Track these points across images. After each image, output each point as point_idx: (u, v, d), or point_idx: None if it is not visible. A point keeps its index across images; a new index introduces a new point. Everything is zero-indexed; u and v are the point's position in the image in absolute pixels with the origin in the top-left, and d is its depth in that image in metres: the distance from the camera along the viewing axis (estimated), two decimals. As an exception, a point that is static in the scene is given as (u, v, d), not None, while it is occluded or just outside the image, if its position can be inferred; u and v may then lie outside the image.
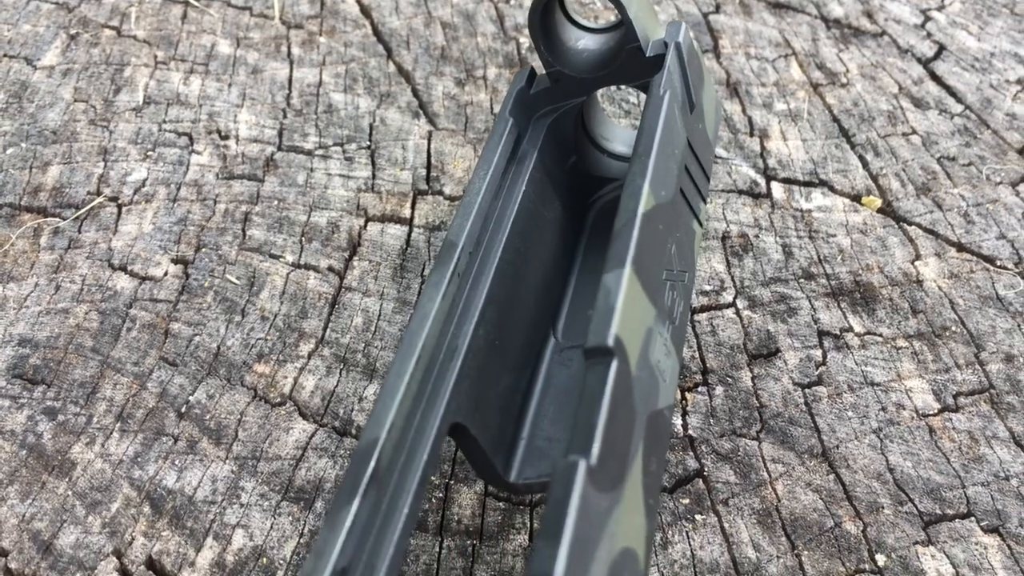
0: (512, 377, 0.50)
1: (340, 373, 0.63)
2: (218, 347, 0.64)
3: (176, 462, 0.58)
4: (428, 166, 0.77)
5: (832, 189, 0.74)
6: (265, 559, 0.54)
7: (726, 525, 0.56)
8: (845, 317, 0.65)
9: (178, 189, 0.75)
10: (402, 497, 0.37)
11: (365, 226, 0.72)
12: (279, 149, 0.78)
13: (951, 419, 0.60)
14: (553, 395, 0.52)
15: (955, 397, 0.61)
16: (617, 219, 0.45)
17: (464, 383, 0.43)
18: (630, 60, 0.56)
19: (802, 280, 0.68)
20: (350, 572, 0.34)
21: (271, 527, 0.56)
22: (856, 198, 0.73)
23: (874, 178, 0.75)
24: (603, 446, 0.36)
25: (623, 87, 0.83)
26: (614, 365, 0.39)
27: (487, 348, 0.46)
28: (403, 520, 0.37)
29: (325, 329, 0.65)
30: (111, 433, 0.60)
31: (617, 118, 0.80)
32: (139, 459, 0.58)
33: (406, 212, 0.73)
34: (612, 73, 0.58)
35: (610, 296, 0.41)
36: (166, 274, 0.69)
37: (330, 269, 0.69)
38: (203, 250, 0.70)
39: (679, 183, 0.52)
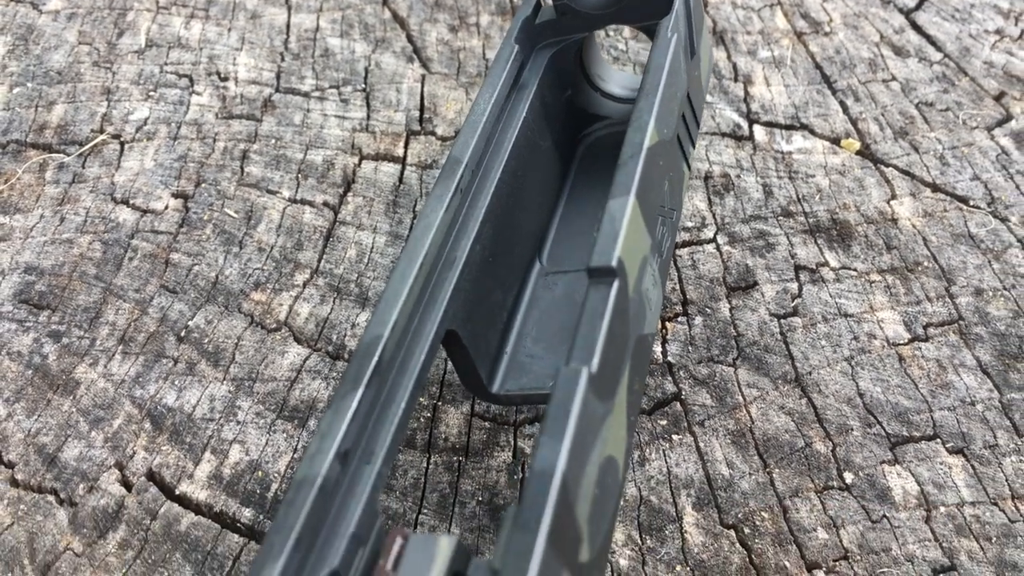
0: (501, 294, 0.51)
1: (334, 301, 0.64)
2: (216, 276, 0.66)
3: (176, 382, 0.60)
4: (421, 108, 0.78)
5: (812, 132, 0.75)
6: (260, 472, 0.56)
7: (701, 444, 0.57)
8: (821, 252, 0.67)
9: (179, 128, 0.76)
10: (399, 392, 0.39)
11: (359, 164, 0.73)
12: (277, 91, 0.79)
13: (920, 348, 0.61)
14: (536, 316, 0.53)
15: (925, 328, 0.62)
16: (623, 151, 0.46)
17: (460, 294, 0.44)
18: (638, 0, 0.57)
19: (781, 218, 0.69)
20: (351, 454, 0.36)
21: (266, 443, 0.57)
22: (835, 141, 0.75)
23: (853, 122, 0.76)
24: (602, 357, 0.38)
25: (612, 33, 0.84)
26: (616, 284, 0.41)
27: (481, 264, 0.47)
28: (400, 412, 0.38)
29: (320, 260, 0.67)
30: (113, 355, 0.61)
31: (606, 64, 0.81)
32: (140, 379, 0.60)
33: (399, 151, 0.74)
34: (618, 12, 0.59)
35: (615, 221, 0.42)
36: (167, 207, 0.70)
37: (325, 204, 0.70)
38: (202, 185, 0.71)
39: (677, 124, 0.53)
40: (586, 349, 0.38)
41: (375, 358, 0.37)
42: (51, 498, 0.55)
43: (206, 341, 0.62)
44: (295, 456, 0.57)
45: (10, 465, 0.56)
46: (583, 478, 0.35)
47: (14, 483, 0.55)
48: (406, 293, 0.40)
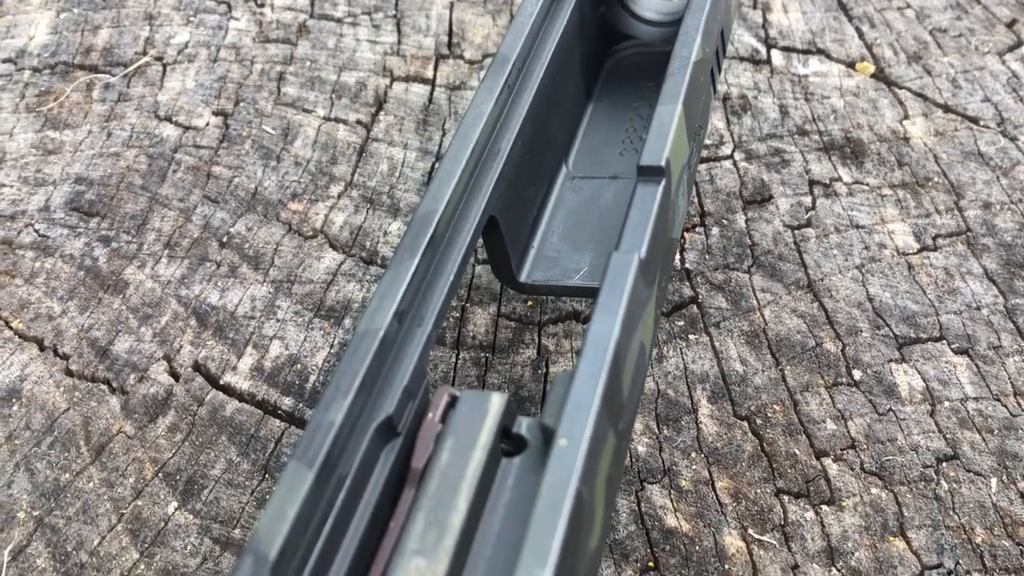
0: (533, 191, 0.53)
1: (367, 211, 0.66)
2: (256, 187, 0.67)
3: (219, 284, 0.62)
4: (450, 33, 0.79)
5: (828, 57, 0.76)
6: (299, 365, 0.58)
7: (717, 344, 0.59)
8: (835, 168, 0.68)
9: (218, 51, 0.77)
10: (448, 265, 0.41)
11: (390, 85, 0.75)
12: (311, 16, 0.80)
13: (929, 257, 0.63)
14: (562, 216, 0.55)
15: (934, 238, 0.64)
16: (671, 64, 0.48)
17: (502, 184, 0.46)
18: None
19: (796, 136, 0.70)
20: (405, 315, 0.37)
21: (304, 339, 0.59)
22: (850, 65, 0.75)
23: (868, 47, 0.77)
24: (649, 246, 0.40)
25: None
26: (663, 183, 0.43)
27: (520, 158, 0.49)
28: (449, 283, 0.40)
29: (353, 174, 0.68)
30: (160, 258, 0.63)
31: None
32: (185, 280, 0.62)
33: (429, 73, 0.76)
34: None
35: (664, 125, 0.45)
36: (207, 124, 0.71)
37: (358, 122, 0.72)
38: (241, 104, 0.73)
39: (715, 45, 0.54)
40: (636, 237, 0.40)
41: (431, 230, 0.39)
42: (103, 387, 0.57)
43: (247, 246, 0.64)
44: (332, 351, 0.58)
45: (65, 357, 0.58)
46: (628, 353, 0.37)
47: (68, 373, 0.58)
48: (458, 175, 0.42)
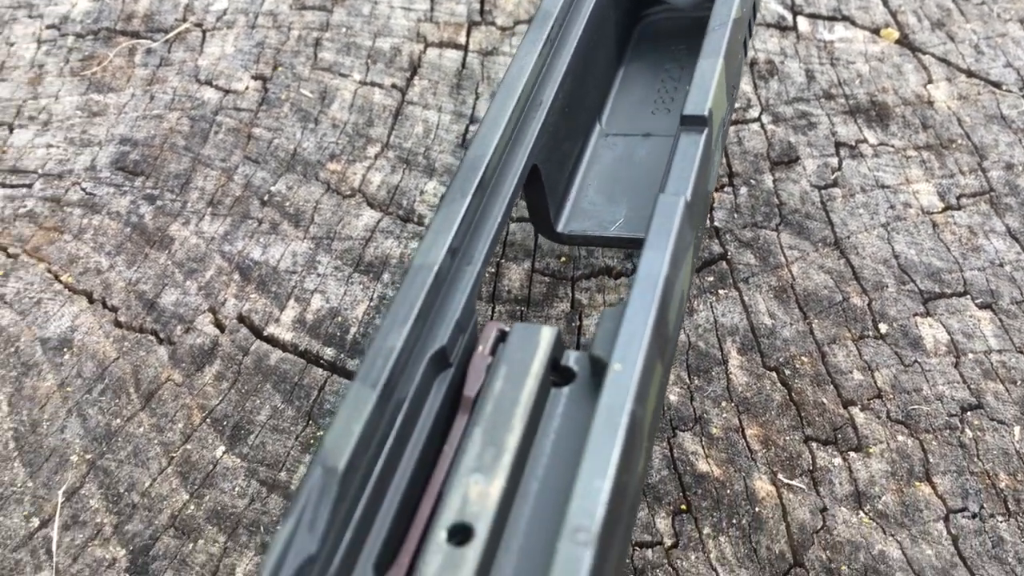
0: (570, 144, 0.54)
1: (403, 172, 0.67)
2: (295, 148, 0.68)
3: (261, 240, 0.63)
4: (482, 1, 0.80)
5: (853, 23, 0.77)
6: (340, 318, 0.59)
7: (746, 298, 0.60)
8: (861, 131, 0.68)
9: (256, 18, 0.78)
10: (494, 208, 0.42)
11: (424, 51, 0.76)
12: (346, -15, 0.81)
13: (953, 216, 0.63)
14: (596, 171, 0.56)
15: (958, 198, 0.64)
16: (711, 20, 0.49)
17: (543, 135, 0.47)
18: None
19: (823, 99, 0.71)
20: (457, 252, 0.39)
21: (344, 293, 0.60)
22: (875, 31, 0.76)
23: (893, 14, 0.77)
24: (693, 191, 0.41)
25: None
26: (705, 132, 0.44)
27: (560, 112, 0.50)
28: (496, 225, 0.41)
29: (389, 135, 0.69)
30: (203, 216, 0.64)
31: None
32: (228, 237, 0.63)
33: (461, 40, 0.77)
34: None
35: (706, 77, 0.46)
36: (247, 88, 0.73)
37: (393, 86, 0.73)
38: (279, 69, 0.74)
39: (750, 7, 0.55)
40: (681, 182, 0.41)
41: (480, 173, 0.40)
42: (151, 337, 0.58)
43: (287, 204, 0.65)
44: (371, 304, 0.60)
45: (113, 309, 0.60)
46: (675, 290, 0.38)
47: (117, 324, 0.59)
48: (504, 123, 0.43)
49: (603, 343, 0.35)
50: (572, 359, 0.37)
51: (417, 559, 0.31)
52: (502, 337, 0.38)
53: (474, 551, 0.30)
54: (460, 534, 0.30)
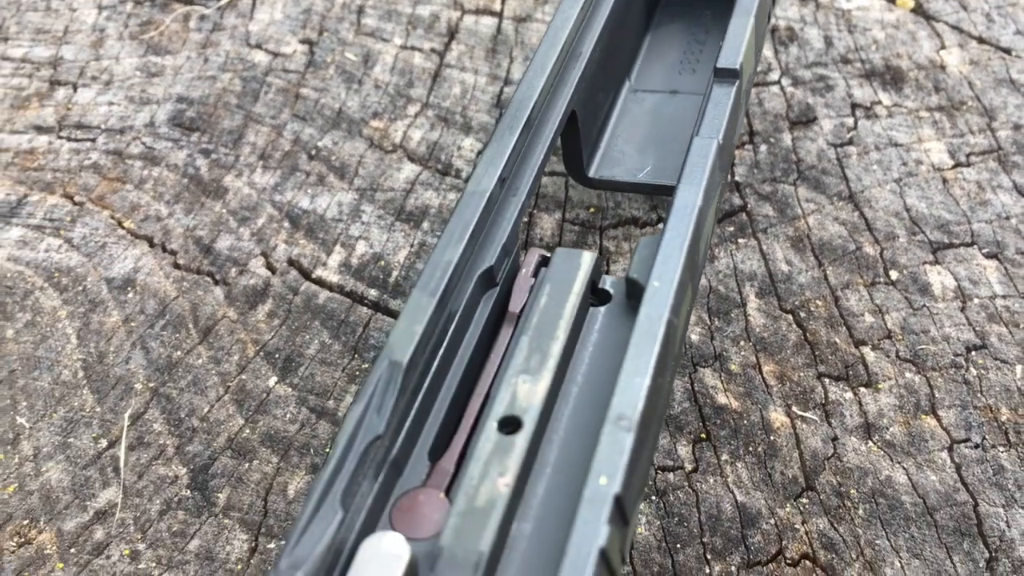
0: (603, 96, 0.56)
1: (442, 129, 0.69)
2: (340, 107, 0.71)
3: (308, 191, 0.65)
4: (516, -28, 0.82)
5: (870, -7, 0.78)
6: (383, 262, 0.61)
7: (764, 247, 0.61)
8: (876, 93, 0.70)
9: (302, -13, 0.80)
10: (538, 145, 0.44)
11: (461, 18, 0.78)
12: (387, -44, 0.83)
13: (962, 172, 0.65)
14: (626, 123, 0.58)
15: (967, 156, 0.66)
16: None
17: (582, 83, 0.49)
18: None
19: (840, 64, 0.72)
20: (506, 182, 0.41)
21: (387, 240, 0.63)
22: (891, 0, 0.77)
23: (908, -15, 0.78)
24: (725, 135, 0.43)
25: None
26: (737, 83, 0.46)
27: (596, 64, 0.52)
28: (539, 161, 0.44)
29: (428, 95, 0.71)
30: (255, 168, 0.67)
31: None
32: (279, 187, 0.65)
33: (496, 7, 0.78)
34: None
35: (738, 34, 0.49)
36: (294, 51, 0.75)
37: (432, 50, 0.75)
38: (325, 34, 0.76)
39: None
40: (714, 127, 0.44)
41: (527, 112, 0.43)
42: (208, 279, 0.61)
43: (333, 158, 0.67)
44: (412, 250, 0.62)
45: (172, 252, 0.62)
46: (706, 223, 0.40)
47: (176, 266, 0.61)
48: (549, 68, 0.45)
49: (639, 268, 0.38)
50: (608, 283, 0.39)
51: (468, 448, 0.34)
52: (543, 262, 0.40)
53: (522, 439, 0.33)
54: (510, 425, 0.33)
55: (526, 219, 0.63)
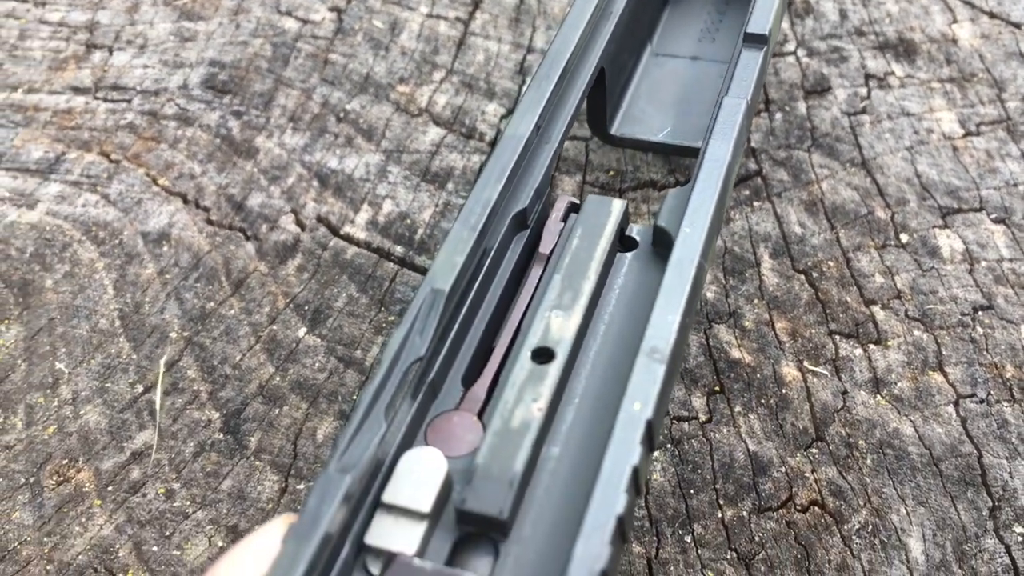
0: (627, 56, 0.57)
1: (466, 94, 0.70)
2: (367, 72, 0.72)
3: (337, 152, 0.66)
4: (539, -56, 0.82)
5: (885, -32, 0.78)
6: (409, 220, 0.62)
7: (778, 210, 0.62)
8: (889, 64, 0.71)
9: (330, -43, 0.81)
10: (570, 97, 0.45)
11: (486, -12, 0.78)
12: (413, -72, 0.84)
13: (972, 141, 0.65)
14: (646, 85, 0.59)
15: (977, 125, 0.66)
16: None
17: (612, 42, 0.50)
18: None
19: (854, 36, 0.73)
20: (541, 129, 0.42)
21: (413, 199, 0.64)
22: (905, -25, 0.78)
23: (923, -39, 0.79)
24: (753, 95, 0.45)
25: None
26: (764, 49, 0.47)
27: (624, 26, 0.53)
28: (571, 111, 0.45)
29: (453, 62, 0.72)
30: (285, 130, 0.68)
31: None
32: (308, 148, 0.66)
33: (520, -21, 0.79)
34: None
35: (769, 1, 0.49)
36: (323, 19, 0.76)
37: (457, 19, 0.76)
38: (353, 2, 0.77)
39: None
40: (743, 87, 0.45)
41: (563, 64, 0.44)
42: (240, 234, 0.62)
43: (361, 121, 0.68)
44: (437, 209, 0.63)
45: (206, 209, 0.63)
46: (732, 177, 0.41)
47: (209, 222, 0.63)
48: (583, 25, 0.46)
49: (668, 217, 0.39)
50: (635, 231, 0.41)
51: (499, 376, 0.35)
52: (572, 208, 0.42)
53: (555, 369, 0.34)
54: (543, 355, 0.35)
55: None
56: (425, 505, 0.30)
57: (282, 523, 0.29)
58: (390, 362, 0.32)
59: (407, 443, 0.33)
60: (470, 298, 0.37)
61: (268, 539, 0.28)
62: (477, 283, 0.38)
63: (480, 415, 0.35)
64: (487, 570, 0.30)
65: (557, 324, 0.36)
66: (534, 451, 0.32)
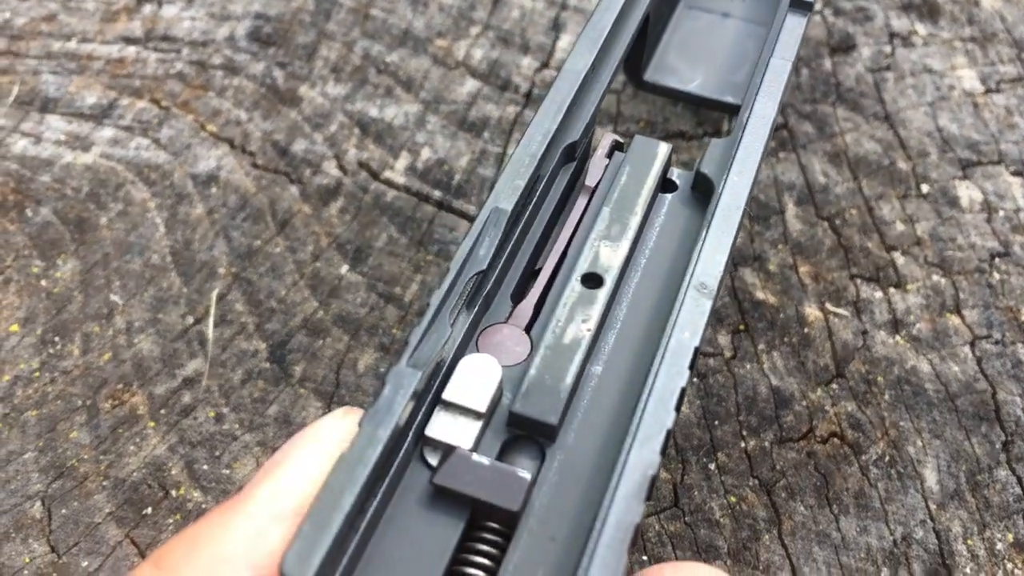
0: (667, 6, 0.58)
1: (501, 49, 0.71)
2: (406, 27, 0.72)
3: (377, 101, 0.67)
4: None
5: (910, -68, 0.79)
6: (447, 166, 0.64)
7: (803, 161, 0.63)
8: (912, 24, 0.71)
9: (370, -83, 0.82)
10: (620, 38, 0.46)
11: (521, -51, 0.79)
12: None
13: (992, 98, 0.66)
14: (679, 38, 0.59)
15: (997, 83, 0.67)
16: None
17: None
18: None
19: (879, -3, 0.73)
20: (596, 66, 0.44)
21: (450, 147, 0.65)
22: (930, -61, 0.78)
23: (947, -75, 0.79)
24: (796, 58, 0.46)
25: None
26: (808, 16, 0.50)
27: None
28: (622, 49, 0.46)
29: (489, 18, 0.73)
30: (328, 80, 0.69)
31: None
32: (349, 98, 0.68)
33: (554, -61, 0.80)
34: None
35: None
36: (364, -24, 0.77)
37: (493, -22, 0.77)
38: (392, -40, 0.78)
39: None
40: (789, 51, 0.46)
41: (617, 9, 0.45)
42: (284, 178, 0.63)
43: (400, 73, 0.69)
44: (473, 157, 0.64)
45: (252, 154, 0.65)
46: (771, 135, 0.43)
47: (255, 166, 0.64)
48: None
49: (710, 164, 0.41)
50: (675, 174, 0.42)
51: (545, 296, 0.37)
52: (616, 146, 0.43)
53: (603, 293, 0.36)
54: (592, 281, 0.37)
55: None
56: (481, 405, 0.32)
57: (342, 414, 0.31)
58: (456, 272, 0.34)
59: (462, 349, 0.34)
60: (523, 220, 0.39)
61: (333, 425, 0.30)
62: (530, 207, 0.39)
63: (527, 330, 0.36)
64: (533, 470, 0.32)
65: (606, 253, 0.38)
66: (582, 366, 0.34)
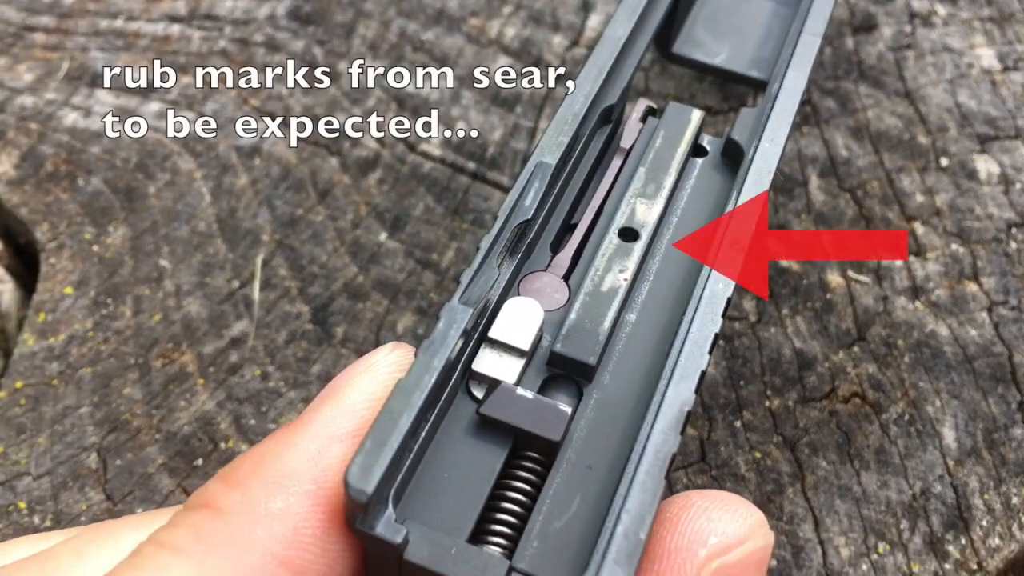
0: None
1: (532, 27, 0.72)
2: (441, 7, 0.74)
3: (413, 78, 0.69)
4: None
5: (931, -84, 0.79)
6: (481, 140, 0.65)
7: (826, 135, 0.64)
8: (932, 4, 0.72)
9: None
10: (657, 8, 0.48)
11: (550, -68, 0.80)
12: None
13: (1010, 75, 0.67)
14: (706, 13, 0.60)
15: (1015, 61, 0.68)
16: None
17: None
18: None
19: (900, -22, 0.74)
20: (634, 34, 0.45)
21: (484, 121, 0.66)
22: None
23: (967, -91, 0.80)
24: (823, 36, 0.47)
25: None
26: None
27: None
28: (658, 19, 0.47)
29: (521, -1, 0.74)
30: (365, 57, 0.70)
31: None
32: (386, 74, 0.69)
33: (583, -77, 0.81)
34: None
35: None
36: (399, -42, 0.78)
37: (524, -40, 0.78)
38: (426, -57, 0.79)
39: None
40: (818, 26, 0.47)
41: (638, 13, 0.46)
42: (324, 150, 0.65)
43: (435, 50, 0.71)
44: (506, 130, 0.65)
45: (293, 127, 0.66)
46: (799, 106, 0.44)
47: (297, 139, 0.65)
48: None
49: (741, 132, 0.42)
50: (706, 140, 0.43)
51: (582, 247, 0.38)
52: (650, 111, 0.44)
53: (639, 247, 0.38)
54: (629, 235, 0.39)
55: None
56: (525, 344, 0.33)
57: (391, 348, 0.32)
58: (504, 220, 0.35)
59: (506, 292, 0.36)
60: (563, 176, 0.40)
61: (385, 357, 0.31)
62: (569, 163, 0.40)
63: (565, 278, 0.38)
64: (572, 407, 0.33)
65: (642, 210, 0.39)
66: (619, 313, 0.36)
